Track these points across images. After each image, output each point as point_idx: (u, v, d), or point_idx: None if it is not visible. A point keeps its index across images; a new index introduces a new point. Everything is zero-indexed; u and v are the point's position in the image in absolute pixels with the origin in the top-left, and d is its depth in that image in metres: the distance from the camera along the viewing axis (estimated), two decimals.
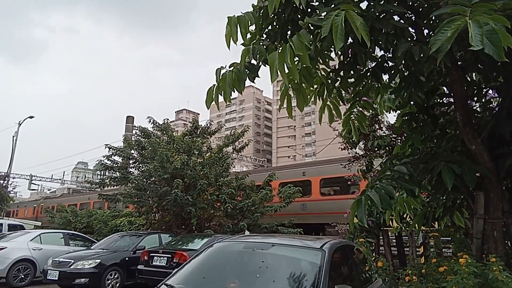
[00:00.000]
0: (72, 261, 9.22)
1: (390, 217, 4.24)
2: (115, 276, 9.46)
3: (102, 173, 17.16)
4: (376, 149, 6.39)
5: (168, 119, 16.42)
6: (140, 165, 14.86)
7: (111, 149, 15.21)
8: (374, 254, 4.00)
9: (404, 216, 4.72)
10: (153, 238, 10.89)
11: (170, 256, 8.63)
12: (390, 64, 3.30)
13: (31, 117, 27.92)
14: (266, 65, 2.88)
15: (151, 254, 9.00)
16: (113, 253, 9.92)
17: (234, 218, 13.31)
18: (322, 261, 3.17)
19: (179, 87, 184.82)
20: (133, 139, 16.36)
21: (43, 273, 9.60)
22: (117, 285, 9.46)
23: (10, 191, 20.34)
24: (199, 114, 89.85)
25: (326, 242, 3.55)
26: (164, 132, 15.33)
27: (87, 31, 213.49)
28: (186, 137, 14.87)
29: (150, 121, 15.50)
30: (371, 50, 3.09)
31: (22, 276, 10.28)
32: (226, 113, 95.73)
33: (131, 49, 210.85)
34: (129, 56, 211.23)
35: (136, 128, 16.48)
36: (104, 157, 15.27)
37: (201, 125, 16.14)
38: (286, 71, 2.39)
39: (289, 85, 2.75)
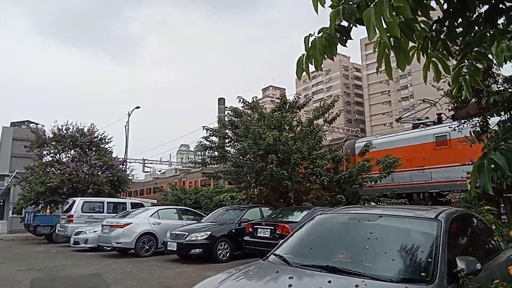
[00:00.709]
0: (187, 233, 10.19)
1: None
2: (225, 247, 10.21)
3: (202, 153, 18.43)
4: (492, 106, 5.59)
5: (256, 97, 16.76)
6: (235, 143, 15.54)
7: (208, 130, 16.17)
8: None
9: None
10: (255, 211, 11.43)
11: (272, 228, 8.98)
12: (508, 4, 2.80)
13: (137, 107, 31.09)
14: (358, 25, 2.68)
15: (255, 226, 9.48)
16: (220, 225, 10.68)
17: (331, 190, 13.19)
18: (438, 232, 2.94)
19: (264, 64, 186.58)
20: (226, 119, 17.10)
21: (163, 244, 10.81)
22: (227, 254, 10.21)
23: (128, 174, 23.02)
24: (285, 89, 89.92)
25: (442, 211, 3.27)
26: (254, 110, 15.70)
27: (175, 21, 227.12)
28: (276, 113, 15.02)
29: (240, 100, 15.99)
30: None
31: (147, 247, 11.71)
32: (312, 85, 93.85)
33: (216, 32, 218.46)
34: (214, 39, 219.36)
35: (227, 108, 17.18)
36: (202, 138, 16.33)
37: (289, 100, 16.12)
38: (384, 26, 2.17)
39: (388, 43, 2.50)
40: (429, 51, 2.92)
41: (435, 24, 2.88)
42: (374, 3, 2.40)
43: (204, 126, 16.25)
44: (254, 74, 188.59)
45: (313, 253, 3.38)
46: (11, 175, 29.42)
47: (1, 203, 37.57)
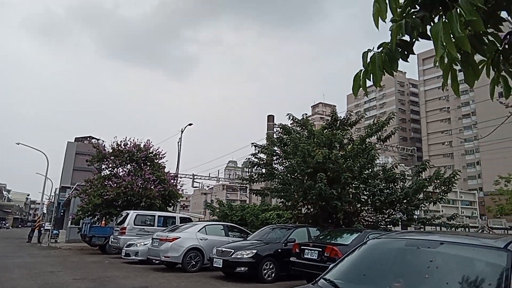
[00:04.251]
0: (233, 250, 10.12)
1: None
2: (270, 267, 9.99)
3: (249, 170, 18.52)
4: None
5: (306, 114, 16.61)
6: (284, 160, 15.42)
7: (256, 147, 16.23)
8: None
9: None
10: (302, 231, 11.13)
11: (320, 249, 8.67)
12: None
13: (190, 124, 32.12)
14: (421, 39, 2.54)
15: (302, 247, 9.20)
16: (266, 244, 10.49)
17: (384, 212, 12.57)
18: (509, 263, 2.64)
19: (314, 81, 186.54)
20: (275, 136, 17.10)
21: (209, 260, 10.83)
22: (273, 275, 9.97)
23: (179, 189, 23.60)
24: (335, 106, 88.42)
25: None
26: (304, 127, 15.54)
27: (229, 41, 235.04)
28: (326, 130, 14.76)
29: (289, 117, 15.94)
30: None
31: (194, 262, 11.79)
32: (365, 102, 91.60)
33: (268, 50, 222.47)
34: (267, 57, 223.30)
35: (276, 125, 17.18)
36: (251, 155, 16.41)
37: (340, 117, 15.80)
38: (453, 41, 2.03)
39: (457, 58, 2.33)
40: (500, 65, 2.69)
41: (508, 36, 2.65)
42: (440, 16, 2.26)
43: (252, 143, 16.36)
44: (304, 91, 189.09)
45: (366, 280, 3.18)
46: (73, 187, 31.47)
47: (62, 214, 40.22)
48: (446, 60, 2.42)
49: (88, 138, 60.81)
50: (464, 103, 72.02)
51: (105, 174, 21.79)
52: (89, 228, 19.03)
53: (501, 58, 2.68)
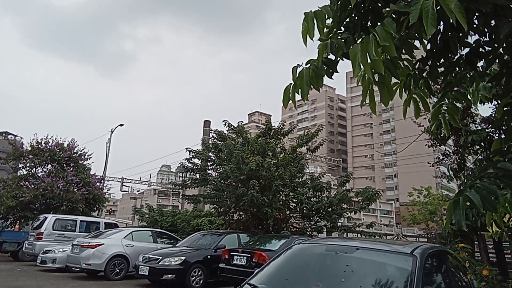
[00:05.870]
0: (160, 257, 9.84)
1: (491, 220, 3.77)
2: (199, 273, 9.88)
3: (183, 175, 18.20)
4: (469, 145, 5.75)
5: (242, 122, 16.83)
6: (218, 167, 15.42)
7: (191, 152, 16.03)
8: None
9: (506, 220, 4.19)
10: (232, 237, 11.18)
11: (249, 255, 8.79)
12: (487, 48, 2.94)
13: (121, 125, 30.70)
14: (345, 59, 2.75)
15: (231, 253, 9.25)
16: (196, 251, 10.37)
17: (311, 219, 13.14)
18: (413, 267, 2.95)
19: (252, 89, 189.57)
20: (210, 142, 17.04)
21: (135, 268, 10.40)
22: (201, 282, 9.86)
23: (105, 192, 22.41)
24: (271, 115, 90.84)
25: (417, 246, 3.29)
26: (239, 134, 15.72)
27: (169, 41, 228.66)
28: (260, 138, 15.08)
29: (225, 124, 16.03)
30: (463, 35, 2.78)
31: (117, 270, 11.23)
32: (298, 114, 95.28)
33: (208, 55, 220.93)
34: (206, 62, 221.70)
35: (212, 131, 17.16)
36: (185, 160, 16.17)
37: (274, 126, 16.26)
38: (369, 62, 2.24)
39: (372, 79, 2.57)
40: (411, 88, 3.02)
41: (418, 63, 2.99)
42: (361, 39, 2.49)
43: (187, 148, 16.15)
44: (242, 99, 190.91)
45: (288, 284, 3.32)
46: None
47: None
48: (366, 79, 2.67)
49: (4, 134, 55.02)
50: (385, 120, 78.56)
51: (22, 174, 19.94)
52: None
53: (412, 82, 3.02)
